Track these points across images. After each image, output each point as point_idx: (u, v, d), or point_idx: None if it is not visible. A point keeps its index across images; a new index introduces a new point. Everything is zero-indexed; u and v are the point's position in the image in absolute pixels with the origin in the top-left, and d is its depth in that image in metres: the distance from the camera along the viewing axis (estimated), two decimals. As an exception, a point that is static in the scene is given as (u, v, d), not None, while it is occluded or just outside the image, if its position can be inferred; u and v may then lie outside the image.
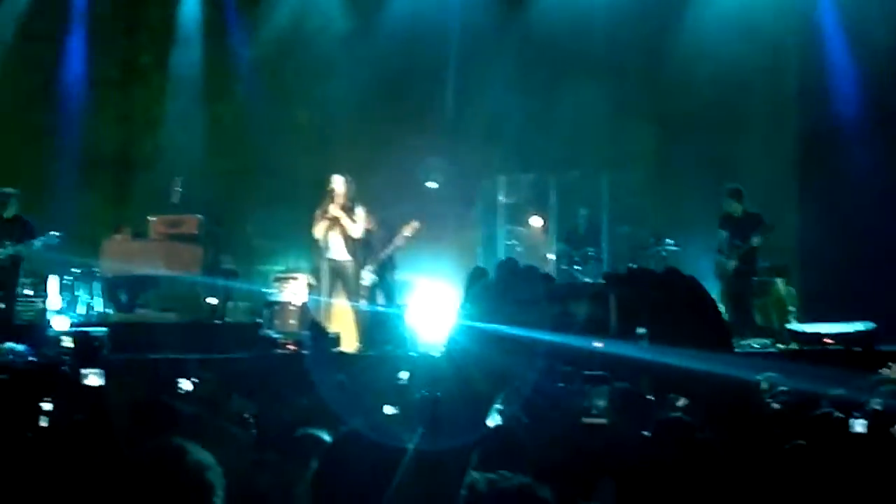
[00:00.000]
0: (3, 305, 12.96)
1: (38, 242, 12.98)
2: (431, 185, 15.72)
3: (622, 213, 15.77)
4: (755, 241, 12.88)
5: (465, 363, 1.51)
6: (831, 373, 9.01)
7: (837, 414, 6.23)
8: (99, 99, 16.99)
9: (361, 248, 13.63)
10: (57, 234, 13.13)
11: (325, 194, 13.01)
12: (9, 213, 13.01)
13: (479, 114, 15.76)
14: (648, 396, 7.33)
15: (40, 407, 6.14)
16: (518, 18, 16.21)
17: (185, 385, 7.01)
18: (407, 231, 13.73)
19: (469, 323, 1.52)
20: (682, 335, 1.45)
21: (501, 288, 1.51)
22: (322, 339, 11.63)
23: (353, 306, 13.18)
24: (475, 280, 1.52)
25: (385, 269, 13.97)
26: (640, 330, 1.49)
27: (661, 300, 1.45)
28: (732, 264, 12.85)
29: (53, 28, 16.67)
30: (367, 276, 13.70)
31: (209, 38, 16.85)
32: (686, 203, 15.29)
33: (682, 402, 7.03)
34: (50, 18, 16.60)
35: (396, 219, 13.96)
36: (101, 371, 6.27)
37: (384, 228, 13.98)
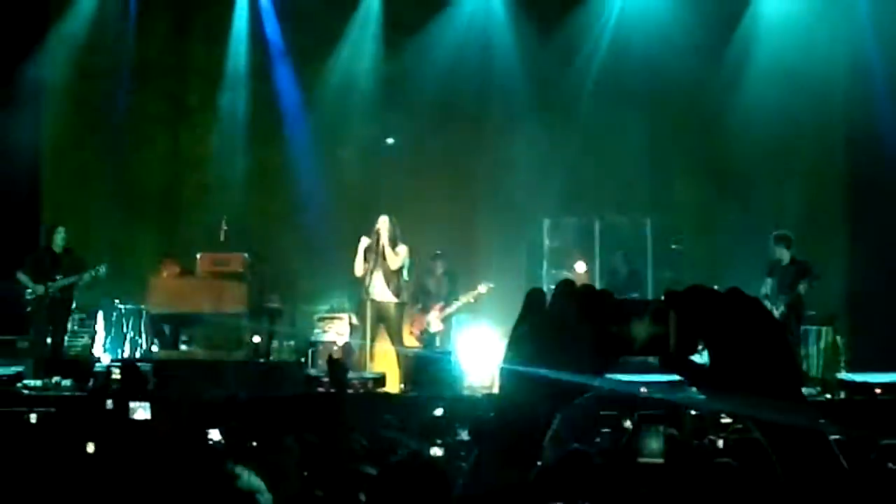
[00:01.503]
0: (52, 339, 13.09)
1: (87, 275, 13.14)
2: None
3: (666, 258, 15.69)
4: (801, 288, 12.74)
5: (507, 406, 1.47)
6: (883, 423, 8.91)
7: (891, 465, 6.14)
8: (147, 136, 17.14)
9: (421, 293, 13.79)
10: (105, 266, 13.30)
11: (370, 235, 13.05)
12: (58, 246, 13.16)
13: (524, 156, 15.74)
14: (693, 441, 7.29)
15: (85, 441, 6.17)
16: (565, 62, 16.24)
17: (215, 435, 6.92)
18: (482, 289, 13.85)
19: (510, 366, 1.48)
20: (745, 355, 1.41)
21: (555, 316, 1.46)
22: (340, 376, 11.58)
23: (395, 347, 13.18)
24: (533, 306, 1.48)
25: (449, 320, 14.10)
26: (701, 348, 1.45)
27: (723, 318, 1.41)
28: (779, 312, 12.71)
29: (103, 66, 16.84)
30: (436, 324, 13.85)
31: (256, 79, 16.98)
32: (731, 249, 15.21)
33: (721, 442, 6.98)
34: (100, 57, 16.78)
35: (463, 273, 14.10)
36: (148, 405, 6.28)
37: (449, 278, 14.10)
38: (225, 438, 6.44)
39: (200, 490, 2.74)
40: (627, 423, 7.67)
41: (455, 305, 14.05)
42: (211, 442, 6.46)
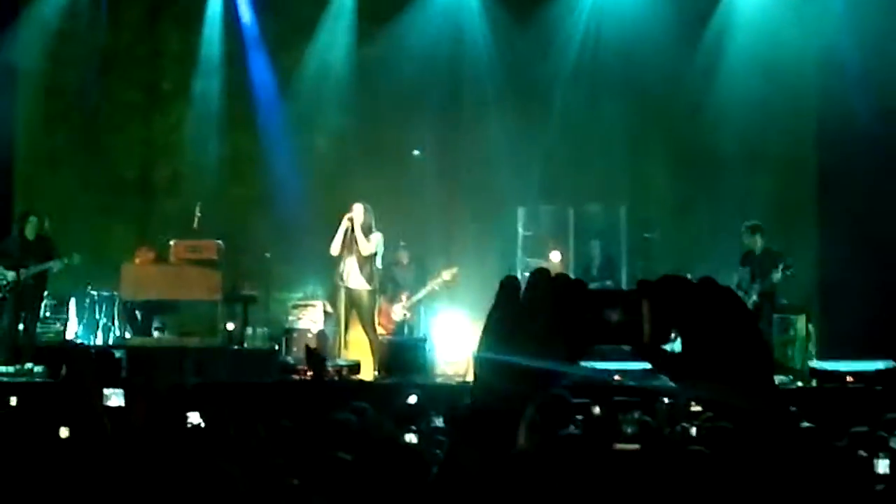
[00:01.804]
0: (24, 326, 13.03)
1: (59, 263, 13.09)
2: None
3: (640, 247, 15.75)
4: (775, 277, 12.82)
5: (482, 394, 1.48)
6: (853, 411, 8.99)
7: (861, 453, 6.19)
8: (120, 123, 17.06)
9: (390, 282, 13.83)
10: (78, 255, 13.27)
11: (343, 220, 13.06)
12: (31, 233, 13.10)
13: (499, 144, 15.75)
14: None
15: (58, 426, 6.16)
16: (541, 51, 16.25)
17: (194, 418, 6.94)
18: (446, 276, 13.86)
19: (485, 353, 1.49)
20: (717, 343, 1.42)
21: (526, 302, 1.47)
22: (318, 365, 11.64)
23: (368, 335, 13.20)
24: (507, 293, 1.49)
25: (416, 308, 14.12)
26: (673, 336, 1.47)
27: (695, 307, 1.43)
28: (752, 301, 12.79)
29: (76, 53, 16.75)
30: (399, 313, 13.88)
31: (230, 66, 16.92)
32: (704, 239, 15.30)
33: (693, 430, 7.04)
34: (73, 43, 16.68)
35: (430, 258, 14.11)
36: (122, 391, 6.27)
37: (417, 266, 14.13)
38: (205, 422, 6.44)
39: (182, 474, 2.74)
40: (596, 410, 7.70)
41: (420, 293, 14.08)
42: (190, 425, 6.46)
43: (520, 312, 1.46)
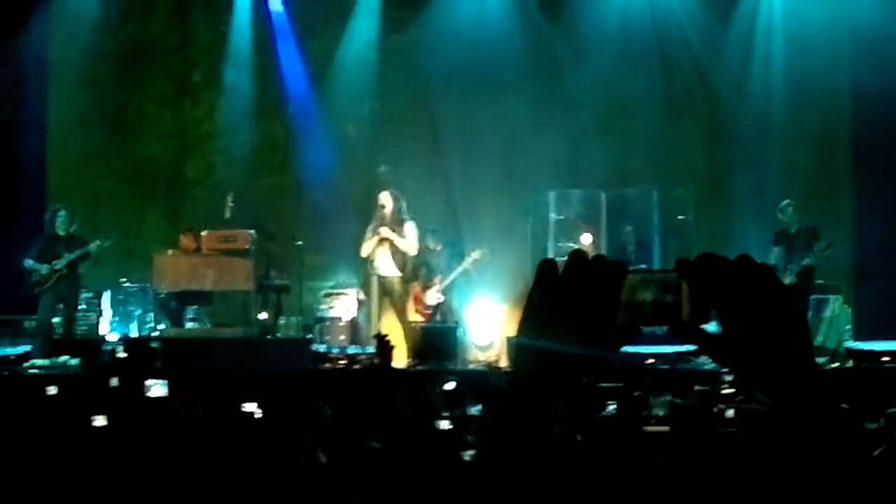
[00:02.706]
0: (64, 317, 13.11)
1: (94, 246, 13.16)
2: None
3: (673, 229, 15.67)
4: (811, 259, 12.75)
5: (521, 379, 1.46)
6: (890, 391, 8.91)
7: (897, 433, 6.13)
8: (152, 115, 17.13)
9: (419, 268, 13.81)
10: (112, 236, 13.34)
11: (374, 210, 13.06)
12: (62, 229, 13.16)
13: (530, 127, 15.69)
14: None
15: (92, 415, 6.20)
16: (567, 33, 16.17)
17: (250, 408, 6.93)
18: (475, 255, 13.85)
19: (524, 338, 1.47)
20: (756, 322, 1.40)
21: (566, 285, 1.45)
22: (387, 353, 11.65)
23: (401, 322, 13.21)
24: (545, 276, 1.47)
25: (449, 291, 14.09)
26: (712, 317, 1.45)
27: (733, 286, 1.40)
28: (789, 280, 12.69)
29: (107, 44, 16.82)
30: (433, 297, 13.87)
31: (260, 54, 16.95)
32: (737, 219, 15.21)
33: (730, 413, 7.00)
34: (104, 35, 16.75)
35: (461, 242, 14.08)
36: (166, 382, 6.28)
37: (448, 250, 14.11)
38: (263, 411, 6.44)
39: (238, 463, 2.75)
40: (633, 393, 7.70)
41: (452, 275, 14.05)
42: (246, 414, 6.47)
43: (558, 295, 1.45)
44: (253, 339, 13.49)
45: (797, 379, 1.38)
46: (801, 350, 1.40)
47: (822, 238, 12.86)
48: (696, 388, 8.48)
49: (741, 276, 1.41)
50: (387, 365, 8.88)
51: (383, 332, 13.15)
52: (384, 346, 8.89)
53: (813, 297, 13.19)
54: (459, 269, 14.02)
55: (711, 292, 1.42)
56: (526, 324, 1.47)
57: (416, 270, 13.96)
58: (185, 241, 14.39)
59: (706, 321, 1.43)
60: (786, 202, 13.22)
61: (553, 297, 1.45)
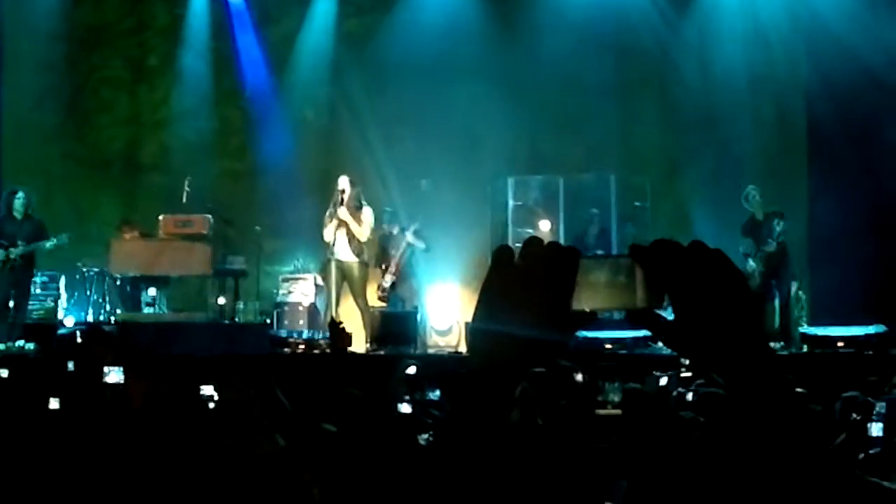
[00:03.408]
0: (15, 303, 12.98)
1: (48, 243, 13.02)
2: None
3: (630, 215, 15.74)
4: (769, 247, 12.85)
5: (479, 364, 1.47)
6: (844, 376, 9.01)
7: (855, 416, 6.22)
8: (107, 99, 16.99)
9: (378, 252, 13.79)
10: (67, 235, 13.21)
11: (333, 195, 13.04)
12: (18, 212, 13.02)
13: (488, 113, 15.71)
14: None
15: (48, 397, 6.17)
16: (526, 21, 16.18)
17: (208, 391, 6.90)
18: (412, 227, 13.83)
19: (481, 324, 1.48)
20: (709, 307, 1.41)
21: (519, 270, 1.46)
22: (339, 338, 11.64)
23: (360, 307, 13.20)
24: (501, 263, 1.48)
25: (404, 272, 14.06)
26: (666, 303, 1.46)
27: (686, 271, 1.42)
28: (758, 269, 12.80)
29: (62, 28, 16.65)
30: (388, 279, 13.84)
31: (216, 39, 16.85)
32: (695, 205, 15.30)
33: (689, 397, 7.06)
34: (59, 19, 16.59)
35: (428, 232, 14.06)
36: (121, 369, 6.23)
37: (400, 231, 14.09)
38: (219, 393, 6.42)
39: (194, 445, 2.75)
40: (579, 377, 7.72)
41: (397, 255, 13.99)
42: (203, 396, 6.44)
43: (514, 281, 1.45)
44: (211, 324, 13.44)
45: (750, 363, 1.39)
46: (754, 334, 1.42)
47: (785, 216, 12.96)
48: (655, 373, 8.54)
49: (694, 261, 1.42)
50: (341, 350, 8.89)
51: (341, 317, 13.18)
52: (337, 332, 8.90)
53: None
54: (403, 245, 13.97)
55: (665, 278, 1.43)
56: (482, 309, 1.47)
57: (376, 258, 13.94)
58: (126, 233, 14.35)
59: (660, 306, 1.44)
60: (750, 188, 13.28)
61: (508, 281, 1.46)
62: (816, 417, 5.66)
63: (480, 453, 1.41)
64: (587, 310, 1.45)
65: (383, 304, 13.81)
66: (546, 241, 1.47)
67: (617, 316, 1.50)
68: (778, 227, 12.88)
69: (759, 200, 13.20)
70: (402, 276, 14.06)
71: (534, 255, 1.46)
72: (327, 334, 12.52)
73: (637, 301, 1.43)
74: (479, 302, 1.48)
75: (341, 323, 10.28)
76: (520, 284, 1.44)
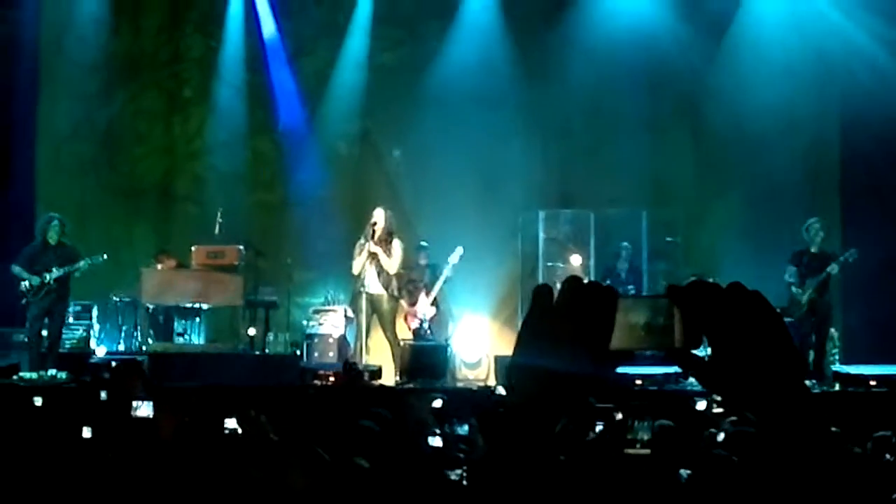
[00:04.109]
0: (49, 332, 13.04)
1: (84, 263, 13.08)
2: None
3: (662, 251, 15.70)
4: (831, 269, 12.74)
5: (519, 401, 1.48)
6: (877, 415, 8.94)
7: (888, 456, 6.17)
8: (142, 129, 17.13)
9: (408, 283, 13.82)
10: (102, 254, 13.28)
11: (366, 227, 13.07)
12: (53, 238, 13.10)
13: (520, 147, 15.75)
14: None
15: (81, 426, 6.20)
16: (558, 54, 16.21)
17: (231, 424, 6.92)
18: (453, 259, 13.81)
19: (521, 360, 1.49)
20: (746, 348, 1.42)
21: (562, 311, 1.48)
22: (355, 374, 11.69)
23: (389, 339, 13.21)
24: (541, 301, 1.49)
25: (439, 305, 14.08)
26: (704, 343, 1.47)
27: (724, 312, 1.43)
28: (807, 297, 12.68)
29: (98, 58, 16.81)
30: (423, 309, 13.87)
31: (250, 71, 16.97)
32: (727, 242, 15.24)
33: (721, 437, 7.02)
34: (95, 49, 16.75)
35: (459, 266, 14.04)
36: (151, 403, 6.26)
37: (431, 270, 14.10)
38: (241, 427, 6.43)
39: (219, 480, 2.76)
40: (619, 416, 7.70)
41: (438, 284, 14.00)
42: (227, 431, 6.46)
43: (554, 319, 1.47)
44: (241, 355, 13.48)
45: (787, 404, 1.40)
46: (792, 376, 1.42)
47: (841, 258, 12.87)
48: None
49: (733, 303, 1.43)
50: (351, 385, 8.87)
51: (371, 350, 13.20)
52: (350, 370, 8.92)
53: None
54: (444, 276, 13.97)
55: (704, 319, 1.43)
56: (523, 347, 1.48)
57: (404, 289, 13.95)
58: (161, 264, 14.42)
59: (698, 346, 1.45)
60: (813, 220, 13.12)
61: (549, 319, 1.47)
62: (857, 461, 5.61)
63: (523, 493, 1.41)
64: (625, 349, 1.45)
65: (412, 338, 13.80)
66: (576, 275, 1.48)
67: (651, 353, 1.51)
68: (832, 270, 12.78)
69: (821, 235, 13.05)
70: (438, 309, 14.09)
71: (574, 294, 1.47)
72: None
73: (675, 341, 1.44)
74: (519, 338, 1.49)
75: (354, 362, 10.32)
76: (560, 322, 1.45)
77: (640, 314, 1.46)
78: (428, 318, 13.99)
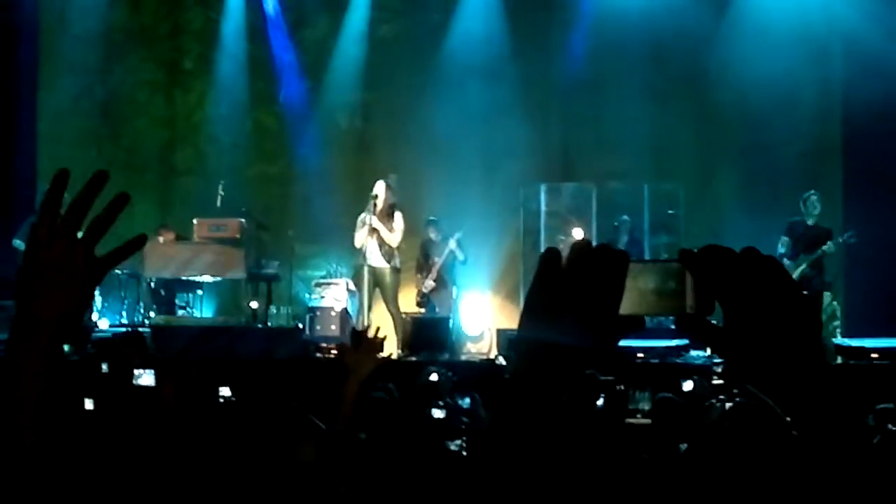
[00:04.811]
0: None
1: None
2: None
3: (663, 224, 15.67)
4: (827, 247, 12.72)
5: (524, 372, 1.45)
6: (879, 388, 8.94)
7: (892, 427, 6.15)
8: (143, 102, 17.09)
9: (420, 258, 13.86)
10: None
11: (368, 200, 13.03)
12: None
13: (521, 120, 15.70)
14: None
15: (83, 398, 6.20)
16: (560, 26, 16.16)
17: (225, 392, 6.95)
18: (455, 238, 13.82)
19: (528, 332, 1.46)
20: (762, 315, 1.38)
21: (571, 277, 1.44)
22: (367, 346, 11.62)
23: (391, 312, 13.20)
24: (549, 265, 1.46)
25: (444, 279, 14.07)
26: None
27: (738, 278, 1.39)
28: (800, 271, 12.67)
29: (98, 30, 16.75)
30: (427, 285, 13.89)
31: (251, 43, 16.91)
32: (726, 213, 15.24)
33: (728, 405, 7.01)
34: (95, 21, 16.68)
35: (452, 229, 14.04)
36: (153, 372, 6.25)
37: (443, 239, 14.09)
38: (235, 396, 6.44)
39: (217, 447, 2.75)
40: (620, 387, 7.71)
41: (439, 262, 14.01)
42: (222, 399, 6.47)
43: (561, 285, 1.43)
44: (244, 328, 13.47)
45: (803, 374, 1.37)
46: (810, 345, 1.39)
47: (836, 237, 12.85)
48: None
49: (748, 268, 1.39)
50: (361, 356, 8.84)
51: (374, 322, 13.17)
52: (360, 339, 8.86)
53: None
54: (445, 253, 13.97)
55: (717, 285, 1.40)
56: (529, 315, 1.45)
57: (417, 265, 14.01)
58: (162, 237, 14.38)
59: (710, 312, 1.42)
60: (812, 194, 13.11)
61: (556, 286, 1.44)
62: (872, 433, 5.60)
63: (526, 463, 1.39)
64: (635, 315, 1.43)
65: (417, 311, 13.81)
66: (586, 238, 1.46)
67: (665, 322, 1.49)
68: (829, 249, 12.76)
69: (818, 207, 13.04)
70: (441, 283, 14.07)
71: (582, 259, 1.44)
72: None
73: (686, 307, 1.41)
74: (525, 307, 1.46)
75: (367, 328, 10.30)
76: (567, 289, 1.42)
77: (651, 279, 1.42)
78: (426, 291, 14.02)
